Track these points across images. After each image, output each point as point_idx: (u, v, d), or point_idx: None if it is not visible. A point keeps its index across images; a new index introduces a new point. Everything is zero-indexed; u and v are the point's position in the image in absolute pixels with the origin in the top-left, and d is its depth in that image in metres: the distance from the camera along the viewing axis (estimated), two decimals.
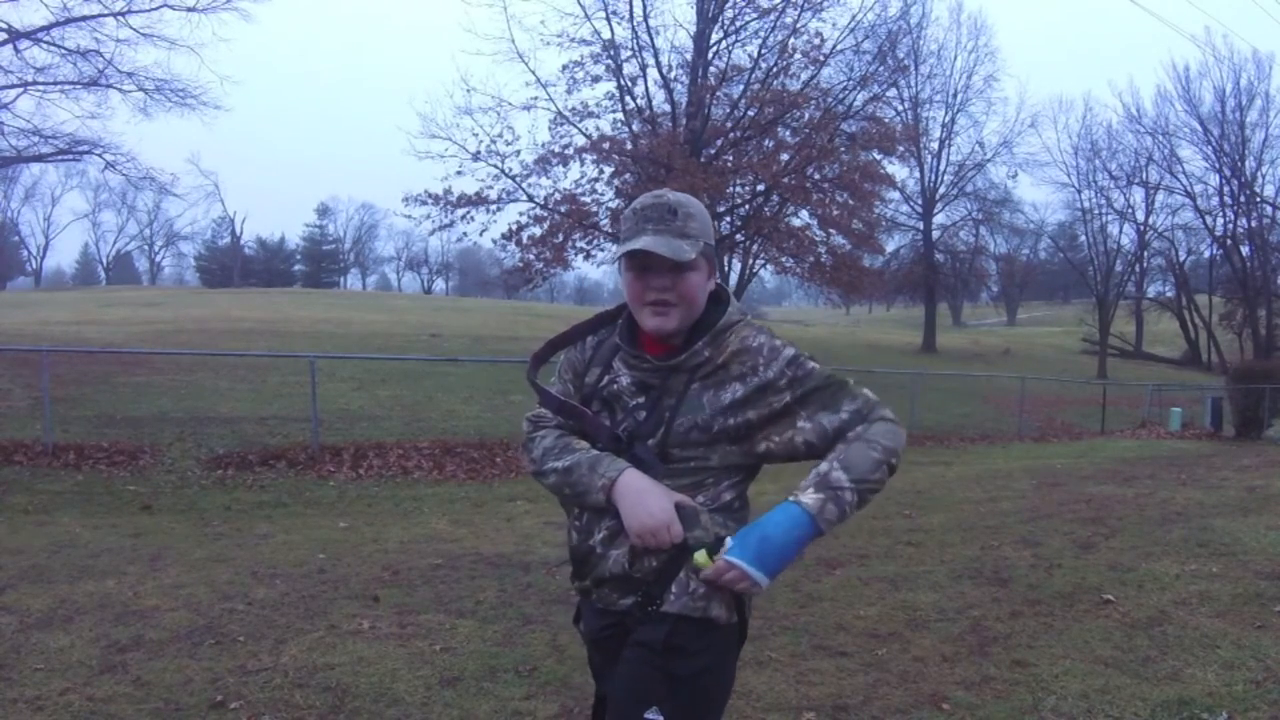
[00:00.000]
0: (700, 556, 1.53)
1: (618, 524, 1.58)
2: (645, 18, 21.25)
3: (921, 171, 40.94)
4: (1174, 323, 45.46)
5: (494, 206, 21.52)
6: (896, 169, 33.32)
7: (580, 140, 21.79)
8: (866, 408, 1.59)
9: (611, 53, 21.36)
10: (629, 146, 21.89)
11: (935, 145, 41.01)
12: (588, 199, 22.05)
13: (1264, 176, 40.71)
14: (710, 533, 1.58)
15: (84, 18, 16.77)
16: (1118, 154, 41.29)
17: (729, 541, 1.53)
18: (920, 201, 41.40)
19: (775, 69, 21.58)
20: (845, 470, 1.53)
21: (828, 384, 1.59)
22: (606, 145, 21.72)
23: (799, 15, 21.05)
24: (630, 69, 21.89)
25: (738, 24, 22.08)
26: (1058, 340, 49.37)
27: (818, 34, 21.48)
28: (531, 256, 22.07)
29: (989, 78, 41.19)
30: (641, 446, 1.60)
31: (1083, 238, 44.91)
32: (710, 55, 22.32)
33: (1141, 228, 43.07)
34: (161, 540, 5.73)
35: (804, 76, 22.10)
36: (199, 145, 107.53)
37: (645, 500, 1.54)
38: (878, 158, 25.16)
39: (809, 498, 1.52)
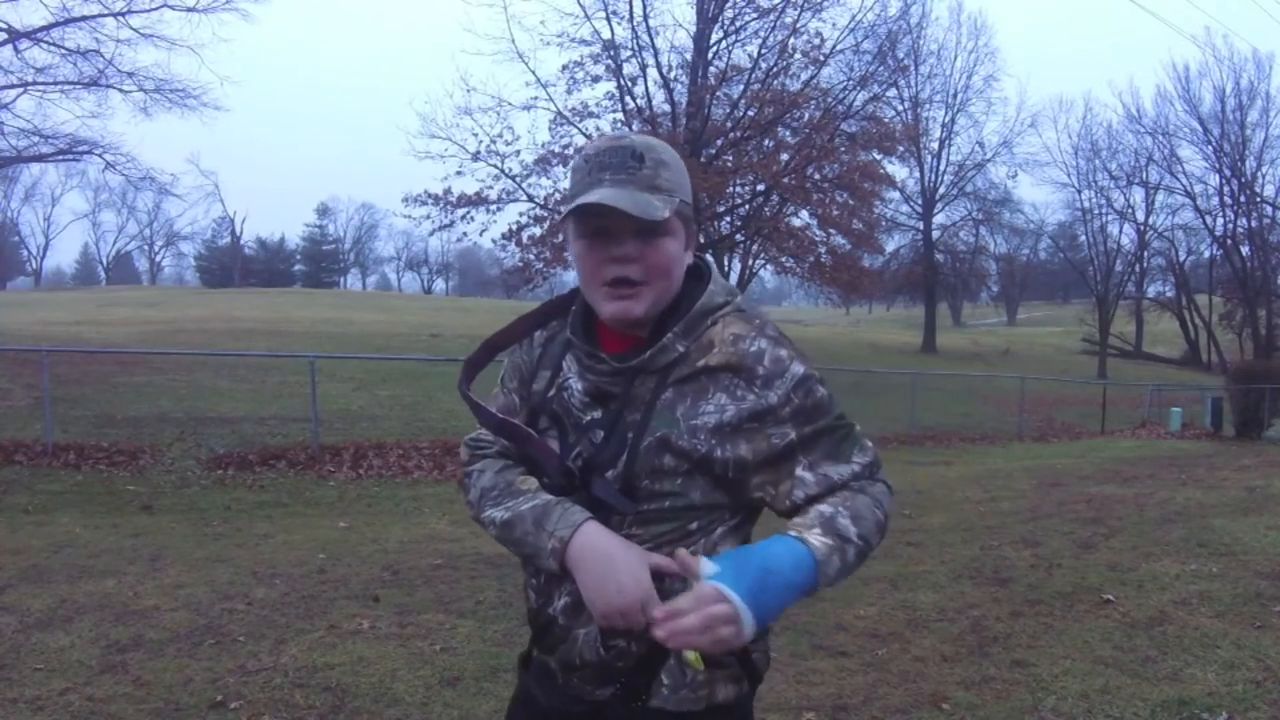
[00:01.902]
0: (691, 652, 1.13)
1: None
2: (645, 18, 21.27)
3: (921, 171, 40.97)
4: (1174, 323, 45.44)
5: (494, 206, 21.55)
6: (896, 169, 33.38)
7: (580, 140, 21.80)
8: (876, 465, 1.26)
9: (611, 53, 21.37)
10: None
11: (935, 145, 41.03)
12: None
13: (1264, 176, 40.73)
14: None
15: (84, 18, 16.81)
16: (1118, 154, 41.33)
17: (708, 563, 1.11)
18: (920, 201, 41.41)
19: (775, 69, 21.59)
20: (853, 522, 1.18)
21: (838, 426, 1.23)
22: None
23: (799, 15, 21.06)
24: (630, 69, 21.92)
25: (738, 24, 22.09)
26: (1058, 340, 49.36)
27: (818, 34, 21.50)
28: (531, 256, 22.08)
29: (989, 78, 41.25)
30: (600, 482, 1.19)
31: (1083, 238, 44.92)
32: (710, 55, 22.32)
33: (1141, 228, 43.10)
34: (161, 540, 5.72)
35: (804, 76, 22.13)
36: (199, 145, 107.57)
37: (612, 570, 1.14)
38: (878, 158, 25.18)
39: (817, 540, 1.14)
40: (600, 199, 1.15)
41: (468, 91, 23.87)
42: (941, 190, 41.94)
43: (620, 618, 1.14)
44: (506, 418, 1.28)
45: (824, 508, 1.19)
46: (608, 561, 1.15)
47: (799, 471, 1.20)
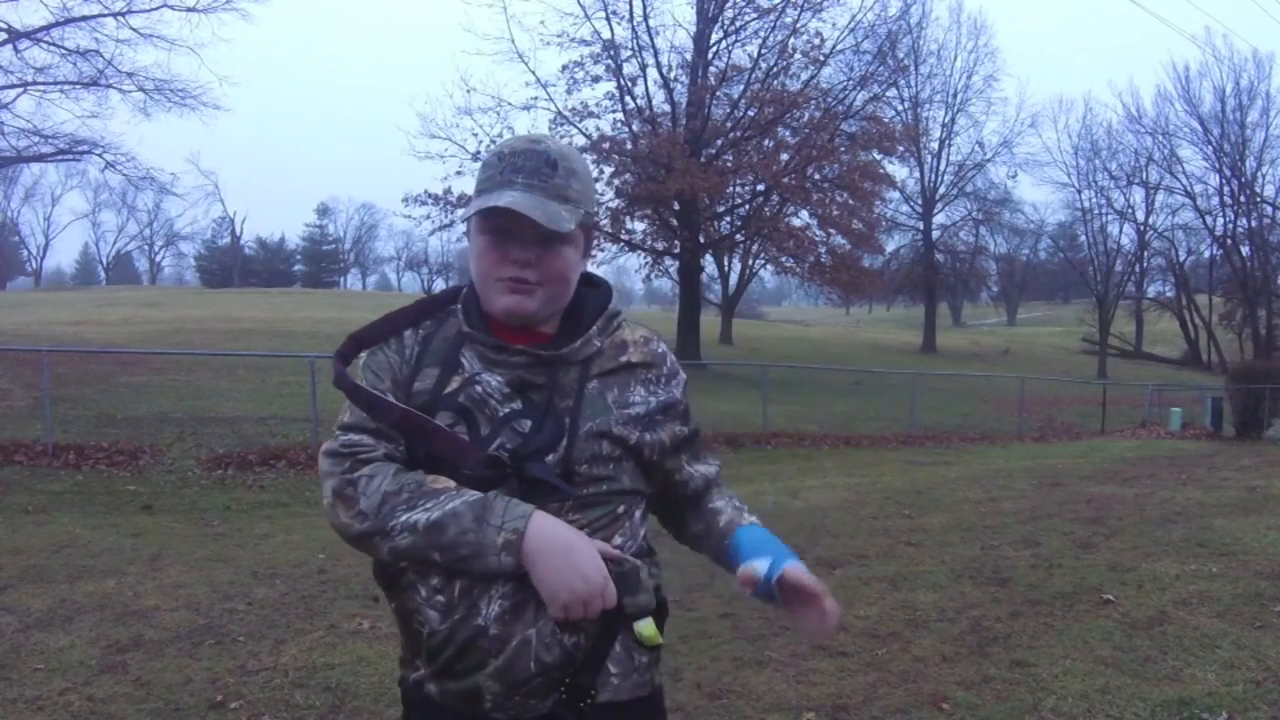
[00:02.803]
0: (647, 629, 1.18)
1: (525, 590, 1.14)
2: (645, 18, 21.32)
3: (921, 171, 41.03)
4: (1174, 323, 45.47)
5: None
6: (896, 169, 33.46)
7: (580, 140, 21.83)
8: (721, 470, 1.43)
9: (611, 53, 21.40)
10: (629, 146, 21.90)
11: (935, 145, 41.11)
12: None
13: (1264, 176, 40.79)
14: (650, 593, 1.21)
15: (84, 18, 16.83)
16: (1118, 154, 41.39)
17: (754, 563, 1.21)
18: (920, 201, 41.45)
19: (775, 69, 21.63)
20: (743, 504, 1.37)
21: (698, 430, 1.39)
22: (606, 145, 21.75)
23: (799, 15, 21.13)
24: (630, 69, 21.98)
25: (738, 24, 22.14)
26: (1058, 340, 49.38)
27: (818, 34, 21.57)
28: None
29: (989, 78, 41.35)
30: (539, 464, 1.18)
31: (1083, 238, 44.96)
32: (710, 55, 22.35)
33: (1141, 228, 43.13)
34: (161, 540, 5.72)
35: (804, 76, 22.20)
36: (199, 145, 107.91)
37: (575, 556, 1.12)
38: (878, 158, 25.22)
39: (754, 519, 1.33)
40: (511, 203, 1.16)
41: (468, 91, 23.90)
42: (941, 190, 42.02)
43: (582, 607, 1.12)
44: (411, 410, 1.19)
45: (722, 503, 1.36)
46: (568, 549, 1.12)
47: (685, 465, 1.35)
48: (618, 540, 1.21)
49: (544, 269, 1.21)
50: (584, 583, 1.11)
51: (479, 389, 1.21)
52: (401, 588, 1.21)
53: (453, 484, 1.16)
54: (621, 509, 1.24)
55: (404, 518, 1.14)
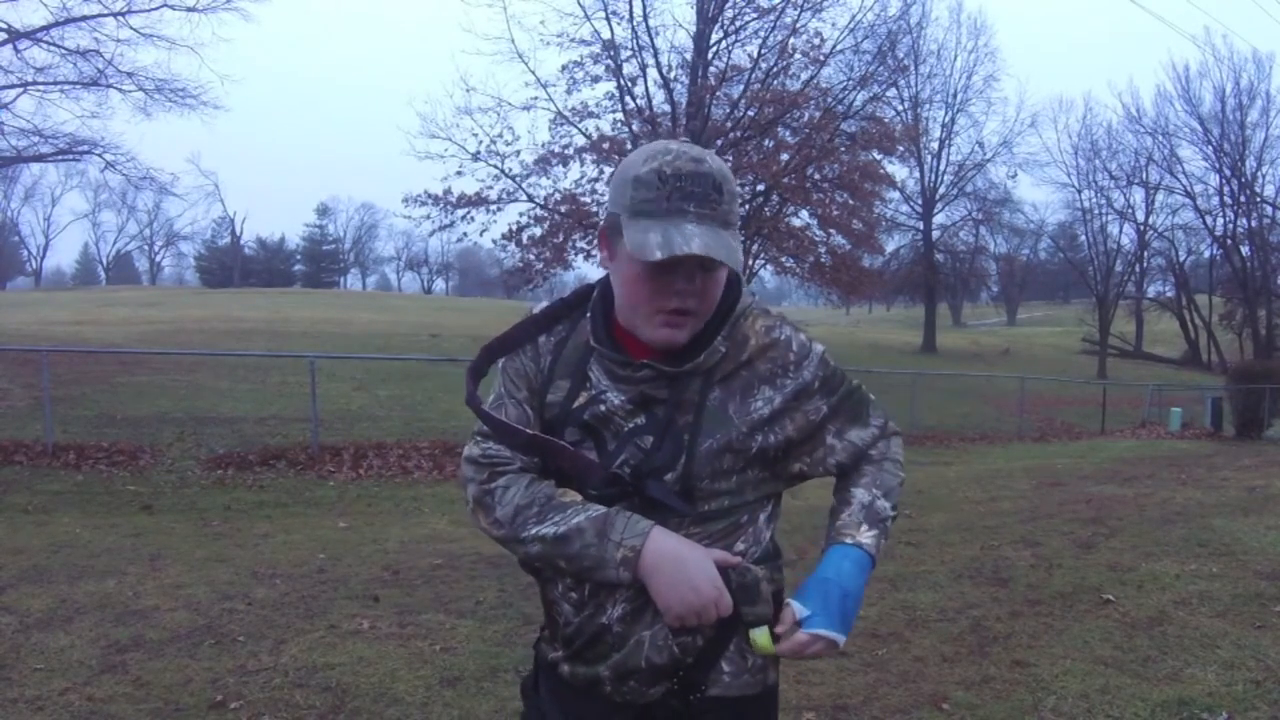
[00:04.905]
0: (762, 638, 1.24)
1: (645, 595, 1.21)
2: (645, 18, 21.25)
3: (921, 171, 40.98)
4: (1174, 323, 45.44)
5: (494, 207, 21.54)
6: (896, 169, 33.41)
7: (580, 140, 21.84)
8: (887, 420, 1.37)
9: (611, 53, 21.36)
10: (629, 146, 21.86)
11: (935, 145, 41.04)
12: (588, 199, 22.09)
13: (1264, 176, 40.70)
14: (769, 602, 1.26)
15: (84, 18, 16.81)
16: (1118, 154, 41.31)
17: (796, 606, 1.23)
18: (920, 201, 41.42)
19: (775, 69, 21.58)
20: (886, 497, 1.31)
21: (854, 391, 1.33)
22: (606, 145, 21.73)
23: (799, 15, 21.05)
24: (630, 69, 21.91)
25: (738, 24, 22.08)
26: (1058, 340, 49.34)
27: (817, 34, 21.50)
28: (532, 257, 22.10)
29: (989, 78, 41.27)
30: (657, 484, 1.21)
31: (1083, 238, 44.92)
32: (710, 55, 22.31)
33: (1141, 228, 43.09)
34: (161, 540, 5.73)
35: (804, 76, 22.13)
36: (199, 145, 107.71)
37: (687, 571, 1.18)
38: (878, 158, 25.18)
39: (867, 538, 1.27)
40: (705, 249, 1.12)
41: (467, 91, 23.88)
42: (941, 190, 41.96)
43: (695, 617, 1.19)
44: (538, 434, 1.25)
45: (861, 494, 1.30)
46: (681, 565, 1.18)
47: (829, 440, 1.31)
48: (739, 547, 1.26)
49: (705, 297, 1.21)
50: (695, 595, 1.17)
51: (603, 407, 1.25)
52: (545, 579, 1.31)
53: (579, 498, 1.23)
54: (745, 518, 1.27)
55: (534, 530, 1.22)
